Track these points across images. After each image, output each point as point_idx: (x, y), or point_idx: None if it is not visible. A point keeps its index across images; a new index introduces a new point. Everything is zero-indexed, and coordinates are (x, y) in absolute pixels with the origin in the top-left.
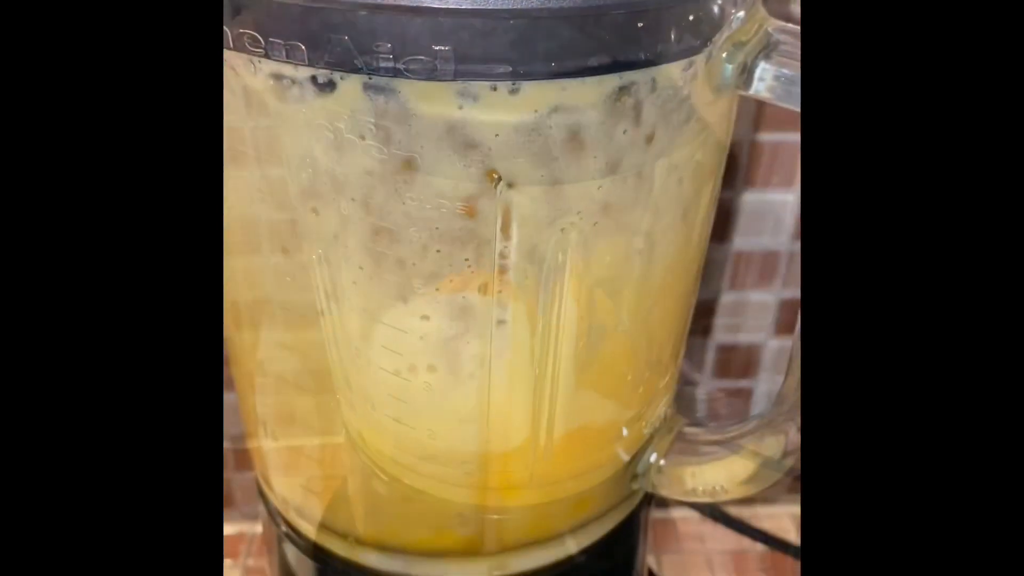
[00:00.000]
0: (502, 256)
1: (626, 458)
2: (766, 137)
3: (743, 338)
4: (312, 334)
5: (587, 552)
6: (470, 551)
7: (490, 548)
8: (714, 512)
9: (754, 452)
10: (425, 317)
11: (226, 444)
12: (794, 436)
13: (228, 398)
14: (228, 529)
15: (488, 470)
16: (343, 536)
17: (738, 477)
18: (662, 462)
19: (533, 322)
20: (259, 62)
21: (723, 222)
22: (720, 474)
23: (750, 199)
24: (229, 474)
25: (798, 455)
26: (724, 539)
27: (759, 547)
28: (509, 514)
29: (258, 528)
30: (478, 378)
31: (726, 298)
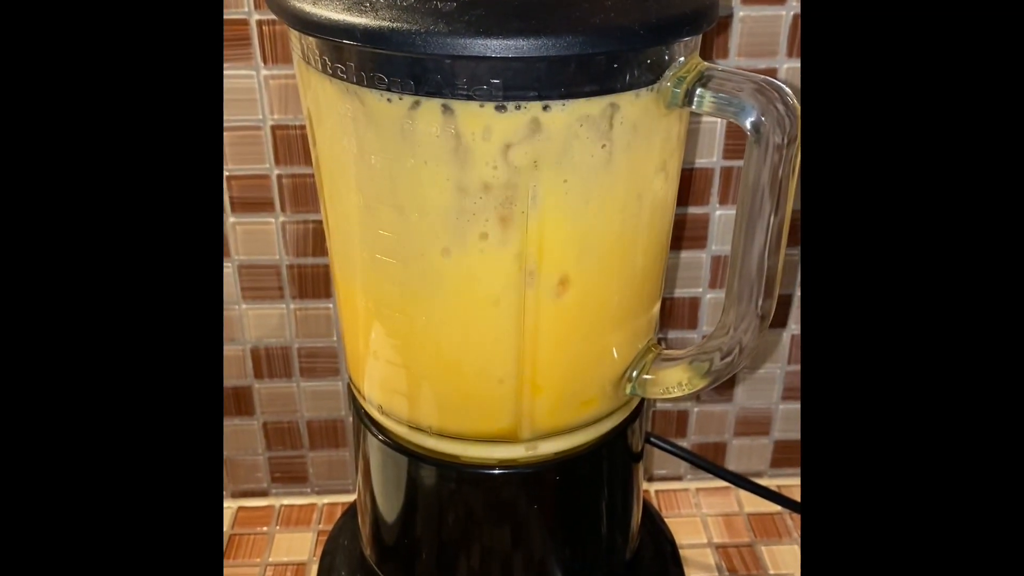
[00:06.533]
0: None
1: (620, 370)
2: (735, 163)
3: None
4: (400, 254)
5: (600, 441)
6: (510, 438)
7: (525, 435)
8: (717, 470)
9: (699, 364)
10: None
11: (302, 428)
12: (718, 362)
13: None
14: (303, 500)
15: (523, 374)
16: (413, 426)
17: (692, 378)
18: (645, 375)
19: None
20: (380, 93)
21: (702, 233)
22: (682, 376)
23: (723, 213)
24: (303, 452)
25: (723, 367)
26: (717, 505)
27: (747, 510)
28: (536, 408)
29: (326, 500)
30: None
31: (709, 295)
